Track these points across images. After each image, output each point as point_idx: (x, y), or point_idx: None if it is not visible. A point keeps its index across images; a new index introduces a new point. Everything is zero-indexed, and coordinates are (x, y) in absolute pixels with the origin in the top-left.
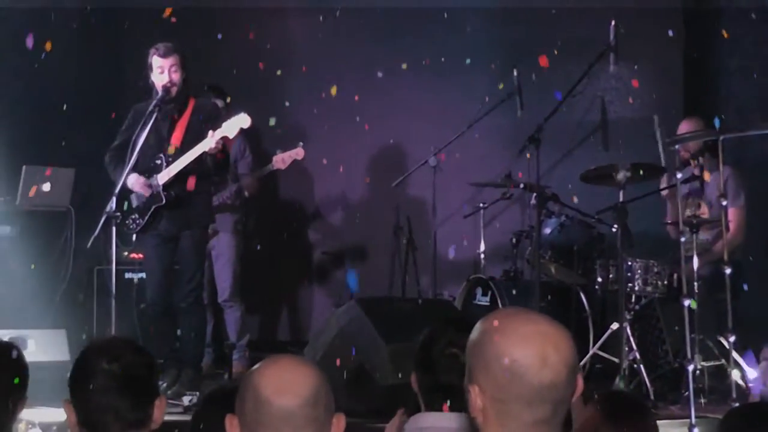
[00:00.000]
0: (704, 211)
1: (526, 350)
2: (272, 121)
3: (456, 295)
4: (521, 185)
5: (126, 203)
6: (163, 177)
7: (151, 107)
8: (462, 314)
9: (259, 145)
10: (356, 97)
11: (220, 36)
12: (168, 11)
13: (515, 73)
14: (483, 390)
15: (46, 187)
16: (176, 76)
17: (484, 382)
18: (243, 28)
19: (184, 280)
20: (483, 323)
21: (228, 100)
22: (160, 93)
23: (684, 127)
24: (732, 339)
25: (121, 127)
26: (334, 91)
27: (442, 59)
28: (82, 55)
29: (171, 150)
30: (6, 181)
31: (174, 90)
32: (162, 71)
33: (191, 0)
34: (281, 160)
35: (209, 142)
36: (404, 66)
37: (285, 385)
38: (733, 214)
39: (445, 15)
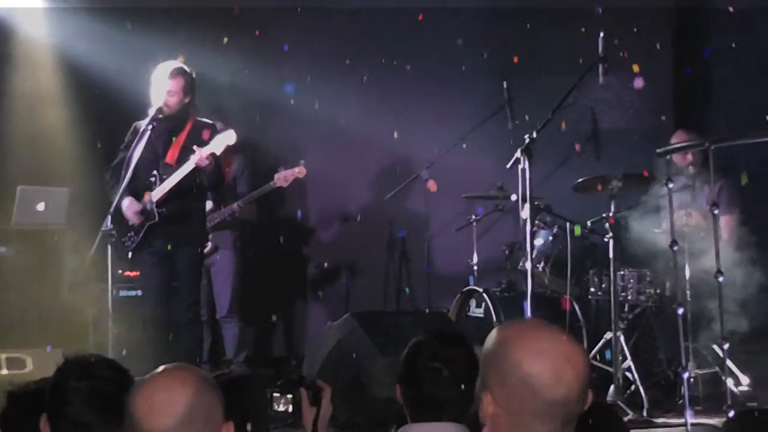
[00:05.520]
0: (698, 221)
1: (542, 366)
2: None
3: (450, 307)
4: (513, 197)
5: (122, 221)
6: (156, 194)
7: (145, 125)
8: (452, 327)
9: (259, 162)
10: (349, 113)
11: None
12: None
13: (505, 86)
14: (495, 399)
15: (41, 206)
16: (175, 99)
17: (498, 392)
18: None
19: (181, 298)
20: (500, 333)
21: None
22: (156, 110)
23: (677, 139)
24: (726, 346)
25: (121, 144)
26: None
27: (435, 74)
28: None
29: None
30: (1, 202)
31: (170, 110)
32: (167, 91)
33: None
34: (283, 178)
35: (195, 158)
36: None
37: (156, 406)
38: (724, 222)
39: (437, 31)
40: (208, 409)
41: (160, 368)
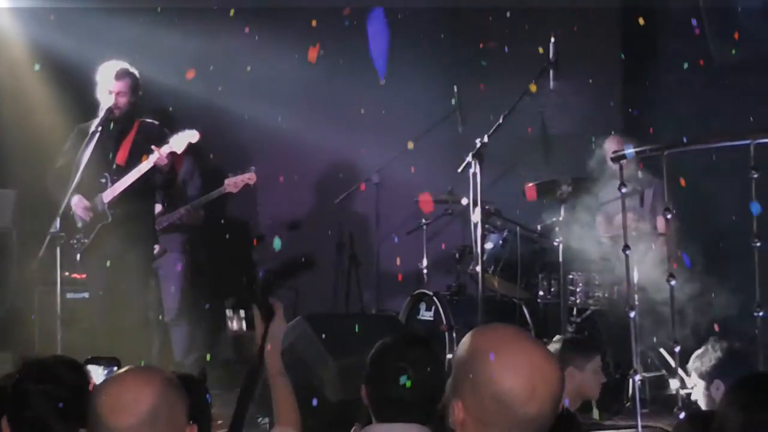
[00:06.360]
0: (643, 225)
1: (516, 381)
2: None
3: (400, 310)
4: (464, 201)
5: (71, 222)
6: (108, 195)
7: (94, 127)
8: (407, 329)
9: (208, 166)
10: (298, 117)
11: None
12: None
13: (455, 90)
14: (466, 407)
15: None
16: (124, 100)
17: (469, 401)
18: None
19: (130, 299)
20: (474, 341)
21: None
22: (104, 112)
23: (612, 144)
24: (677, 349)
25: (63, 147)
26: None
27: (384, 78)
28: None
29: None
30: None
31: (120, 111)
32: (112, 92)
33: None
34: (233, 183)
35: (154, 158)
36: (346, 83)
37: (120, 404)
38: (662, 224)
39: (387, 34)
40: (172, 410)
41: (126, 368)
